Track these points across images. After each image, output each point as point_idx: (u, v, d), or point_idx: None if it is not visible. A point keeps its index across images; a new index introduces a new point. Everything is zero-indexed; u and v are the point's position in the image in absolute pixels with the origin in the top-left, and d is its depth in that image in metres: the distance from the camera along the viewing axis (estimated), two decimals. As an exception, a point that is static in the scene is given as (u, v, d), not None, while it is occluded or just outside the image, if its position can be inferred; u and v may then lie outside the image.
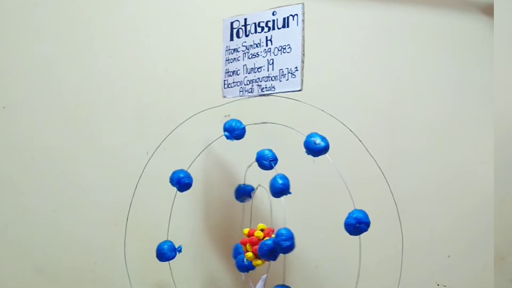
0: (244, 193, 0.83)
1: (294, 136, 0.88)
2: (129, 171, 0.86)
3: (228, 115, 0.89)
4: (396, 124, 0.99)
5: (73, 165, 0.84)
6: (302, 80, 0.71)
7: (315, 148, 0.70)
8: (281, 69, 0.74)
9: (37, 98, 0.83)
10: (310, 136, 0.71)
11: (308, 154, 0.72)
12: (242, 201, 0.85)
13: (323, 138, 0.71)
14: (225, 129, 0.78)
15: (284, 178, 0.70)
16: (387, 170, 0.97)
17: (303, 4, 0.72)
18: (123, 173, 0.86)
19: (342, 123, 0.75)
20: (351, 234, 0.67)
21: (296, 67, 0.73)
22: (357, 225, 0.66)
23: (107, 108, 0.86)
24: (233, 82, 0.78)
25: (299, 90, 0.72)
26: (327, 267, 0.93)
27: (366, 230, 0.67)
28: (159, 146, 0.78)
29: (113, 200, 0.85)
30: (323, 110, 0.75)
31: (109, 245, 0.85)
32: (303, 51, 0.71)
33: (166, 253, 0.78)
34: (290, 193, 0.70)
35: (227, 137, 0.77)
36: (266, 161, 0.77)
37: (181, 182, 0.78)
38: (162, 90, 0.88)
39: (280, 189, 0.69)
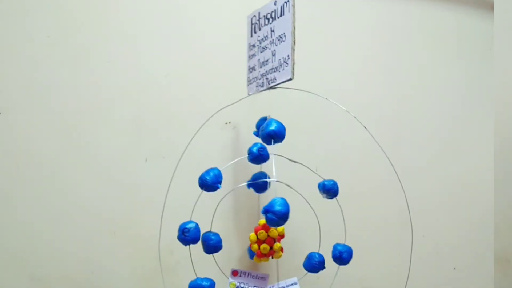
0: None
1: (297, 144, 0.88)
2: (127, 179, 0.85)
3: (229, 122, 0.89)
4: (399, 133, 0.98)
5: (69, 173, 0.84)
6: (293, 68, 0.68)
7: (260, 133, 0.71)
8: (279, 59, 0.73)
9: (33, 104, 0.83)
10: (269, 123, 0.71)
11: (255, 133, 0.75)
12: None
13: (278, 125, 0.69)
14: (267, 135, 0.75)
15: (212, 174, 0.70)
16: (389, 180, 0.96)
17: None
18: (121, 181, 0.85)
19: (360, 122, 0.75)
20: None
21: (288, 55, 0.70)
22: (264, 212, 0.64)
23: (105, 114, 0.85)
24: (252, 78, 0.78)
25: (290, 79, 0.69)
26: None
27: (275, 220, 0.64)
28: (182, 155, 0.76)
29: (111, 208, 0.85)
30: (327, 99, 0.75)
31: (106, 254, 0.84)
32: (294, 38, 0.69)
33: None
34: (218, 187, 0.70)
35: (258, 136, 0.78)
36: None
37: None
38: (161, 96, 0.88)
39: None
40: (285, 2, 0.72)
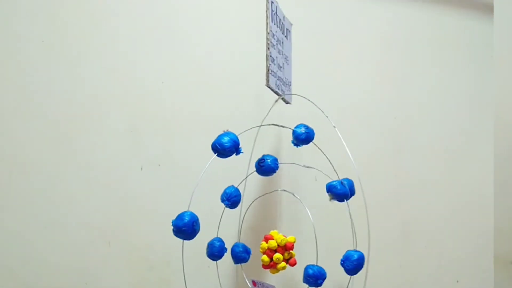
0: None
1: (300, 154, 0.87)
2: (123, 188, 0.85)
3: (227, 129, 0.88)
4: (402, 143, 0.97)
5: (63, 181, 0.84)
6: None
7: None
8: (286, 78, 0.78)
9: (26, 110, 0.83)
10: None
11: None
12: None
13: (228, 139, 0.72)
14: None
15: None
16: (392, 190, 0.96)
17: (291, 25, 0.80)
18: (116, 190, 0.85)
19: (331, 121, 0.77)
20: None
21: (290, 81, 0.79)
22: None
23: (100, 121, 0.85)
24: (273, 72, 0.76)
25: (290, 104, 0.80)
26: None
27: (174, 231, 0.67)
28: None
29: (105, 218, 0.85)
30: (309, 100, 0.78)
31: (101, 264, 0.84)
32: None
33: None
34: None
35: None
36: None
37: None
38: (157, 104, 0.88)
39: None
40: (288, 30, 0.78)
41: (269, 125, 0.78)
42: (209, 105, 0.88)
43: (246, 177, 0.80)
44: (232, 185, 0.76)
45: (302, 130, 0.76)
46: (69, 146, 0.84)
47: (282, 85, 0.77)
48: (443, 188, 0.98)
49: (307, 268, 0.75)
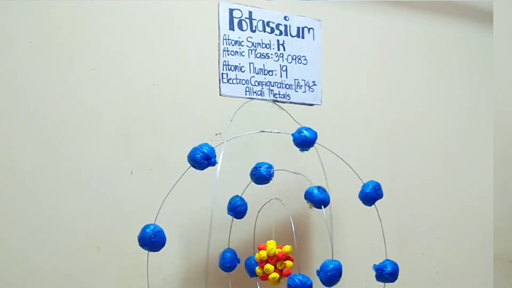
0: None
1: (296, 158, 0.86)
2: (112, 192, 0.85)
3: (219, 133, 0.87)
4: (399, 147, 0.97)
5: (51, 186, 0.82)
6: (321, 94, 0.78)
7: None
8: (297, 79, 0.77)
9: (13, 113, 0.81)
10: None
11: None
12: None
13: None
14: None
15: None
16: (389, 196, 0.94)
17: (320, 21, 0.78)
18: (106, 195, 0.85)
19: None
20: None
21: (314, 81, 0.77)
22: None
23: (89, 124, 0.84)
24: (236, 79, 0.75)
25: (319, 104, 0.78)
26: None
27: None
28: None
29: (95, 223, 0.84)
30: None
31: (90, 271, 0.83)
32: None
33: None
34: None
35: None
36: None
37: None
38: (148, 106, 0.87)
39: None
40: (307, 28, 0.76)
41: (257, 132, 0.77)
42: (201, 108, 0.88)
43: (247, 186, 0.79)
44: (237, 195, 0.76)
45: (304, 133, 0.75)
46: (58, 150, 0.83)
47: (283, 88, 0.76)
48: (441, 191, 0.99)
49: (288, 278, 0.73)
